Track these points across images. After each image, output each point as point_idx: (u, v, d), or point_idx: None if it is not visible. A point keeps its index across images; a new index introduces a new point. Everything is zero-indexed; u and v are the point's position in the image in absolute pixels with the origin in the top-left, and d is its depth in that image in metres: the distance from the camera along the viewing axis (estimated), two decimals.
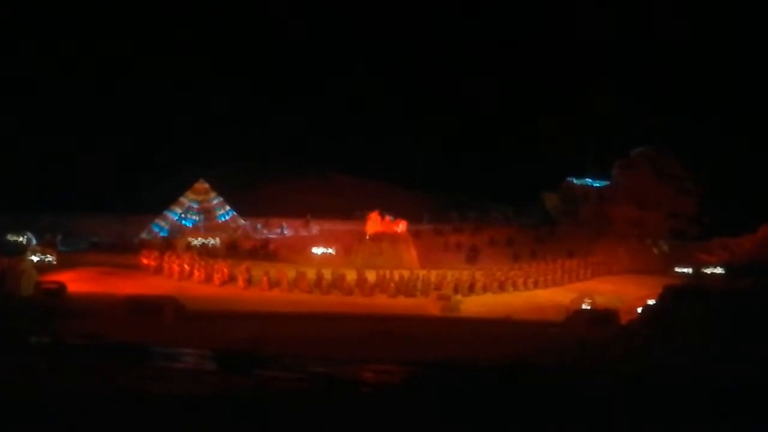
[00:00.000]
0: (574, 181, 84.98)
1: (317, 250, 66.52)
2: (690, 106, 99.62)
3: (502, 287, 54.74)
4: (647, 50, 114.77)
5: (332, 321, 38.87)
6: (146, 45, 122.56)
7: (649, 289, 47.29)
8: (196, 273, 53.23)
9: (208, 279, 52.67)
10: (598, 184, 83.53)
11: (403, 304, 49.00)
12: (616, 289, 55.81)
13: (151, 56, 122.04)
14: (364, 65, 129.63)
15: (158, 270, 54.77)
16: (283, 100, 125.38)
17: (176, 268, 54.10)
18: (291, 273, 52.19)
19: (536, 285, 56.95)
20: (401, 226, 65.86)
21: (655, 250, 71.23)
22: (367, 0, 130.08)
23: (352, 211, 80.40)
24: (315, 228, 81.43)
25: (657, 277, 55.83)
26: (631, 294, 52.51)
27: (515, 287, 55.48)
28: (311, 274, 52.05)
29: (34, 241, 62.53)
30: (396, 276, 52.84)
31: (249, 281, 51.72)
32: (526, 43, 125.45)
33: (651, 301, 39.57)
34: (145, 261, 56.32)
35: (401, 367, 17.19)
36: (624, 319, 38.47)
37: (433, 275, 53.83)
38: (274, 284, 51.09)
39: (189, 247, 64.33)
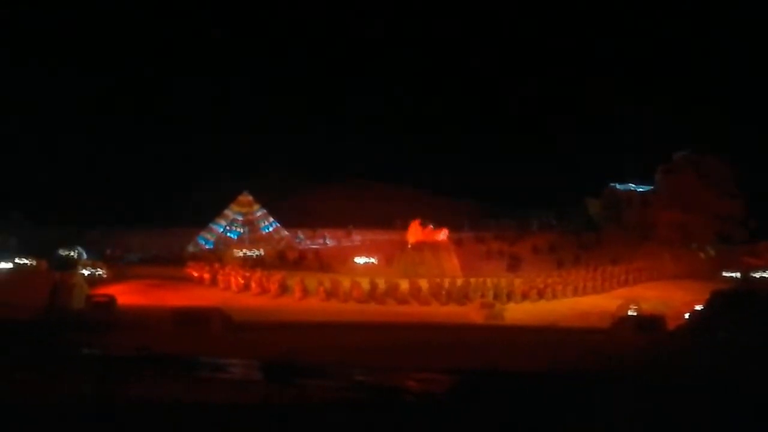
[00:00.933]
0: (617, 186, 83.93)
1: (359, 260, 66.77)
2: (732, 105, 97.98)
3: (545, 294, 54.26)
4: (689, 51, 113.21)
5: (377, 330, 38.82)
6: (186, 56, 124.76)
7: (696, 294, 46.50)
8: (254, 285, 53.72)
9: (264, 291, 53.19)
10: (641, 189, 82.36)
11: (443, 312, 48.87)
12: (662, 295, 54.89)
13: (192, 67, 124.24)
14: (403, 72, 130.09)
15: (212, 282, 55.63)
16: (322, 109, 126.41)
17: (233, 281, 54.76)
18: (346, 283, 52.59)
19: (580, 292, 56.31)
20: (443, 235, 65.76)
21: (702, 255, 69.88)
22: (405, 6, 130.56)
23: (393, 220, 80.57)
24: (357, 238, 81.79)
25: (704, 282, 54.73)
26: (677, 299, 51.61)
27: (559, 294, 54.93)
28: (365, 284, 52.34)
29: (84, 256, 63.93)
30: (446, 284, 52.97)
31: (305, 292, 52.16)
32: (566, 45, 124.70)
33: (698, 307, 38.90)
34: (194, 273, 57.12)
35: (445, 375, 17.22)
36: (671, 325, 37.79)
37: (474, 283, 53.62)
38: (330, 294, 51.48)
39: (245, 258, 65.35)
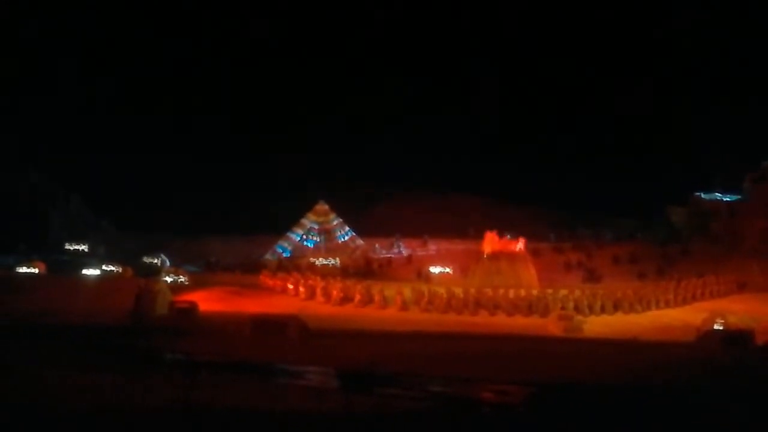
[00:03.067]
0: (703, 195, 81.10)
1: (434, 270, 66.48)
2: None
3: (624, 307, 52.68)
4: None
5: (455, 339, 38.51)
6: (273, 76, 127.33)
7: None
8: (357, 296, 53.28)
9: (368, 301, 52.78)
10: (728, 198, 79.31)
11: (522, 323, 48.07)
12: (750, 309, 52.49)
13: (276, 84, 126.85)
14: (480, 85, 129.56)
15: (289, 290, 56.11)
16: (399, 122, 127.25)
17: (335, 291, 54.45)
18: (442, 292, 52.41)
19: (662, 304, 54.49)
20: (519, 245, 64.56)
21: None
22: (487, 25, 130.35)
23: (467, 229, 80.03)
24: (432, 247, 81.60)
25: None
26: (767, 313, 49.34)
27: (639, 307, 53.24)
28: (459, 293, 52.11)
29: (167, 263, 65.91)
30: (523, 294, 52.24)
31: (405, 304, 51.88)
32: (651, 55, 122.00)
33: None
34: (276, 283, 57.83)
35: (521, 387, 16.95)
36: (760, 340, 36.24)
37: (551, 294, 52.58)
38: (429, 305, 51.11)
39: (323, 266, 66.24)
